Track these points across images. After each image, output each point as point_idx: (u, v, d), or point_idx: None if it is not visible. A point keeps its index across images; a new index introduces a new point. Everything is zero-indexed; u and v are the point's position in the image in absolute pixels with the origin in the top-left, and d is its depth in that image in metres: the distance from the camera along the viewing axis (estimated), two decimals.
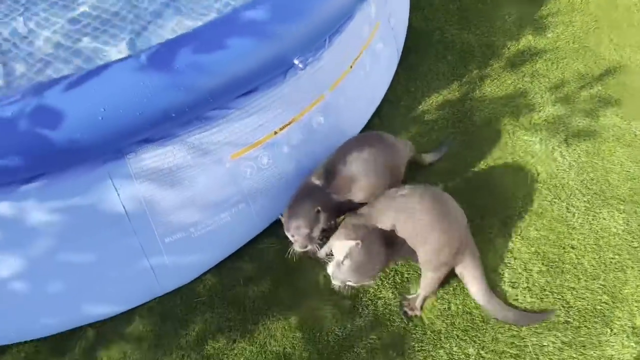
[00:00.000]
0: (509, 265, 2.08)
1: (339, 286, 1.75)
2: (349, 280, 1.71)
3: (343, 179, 1.95)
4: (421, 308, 1.96)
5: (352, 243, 1.69)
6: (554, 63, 2.83)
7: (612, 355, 1.87)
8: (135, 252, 1.83)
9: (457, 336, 1.91)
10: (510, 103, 2.63)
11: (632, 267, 2.08)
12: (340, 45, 2.09)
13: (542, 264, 2.09)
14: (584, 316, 1.96)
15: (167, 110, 1.63)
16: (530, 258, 2.10)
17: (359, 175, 1.96)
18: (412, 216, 1.82)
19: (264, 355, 1.87)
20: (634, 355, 1.87)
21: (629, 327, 1.94)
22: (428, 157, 2.35)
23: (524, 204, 2.26)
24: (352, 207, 1.95)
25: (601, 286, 2.03)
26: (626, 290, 2.02)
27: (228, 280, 2.04)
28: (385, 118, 2.59)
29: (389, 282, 2.03)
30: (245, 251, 2.11)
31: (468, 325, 1.94)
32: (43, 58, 2.11)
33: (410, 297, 1.98)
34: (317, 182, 1.97)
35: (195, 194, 1.86)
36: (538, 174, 2.36)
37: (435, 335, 1.92)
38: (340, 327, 1.93)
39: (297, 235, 1.85)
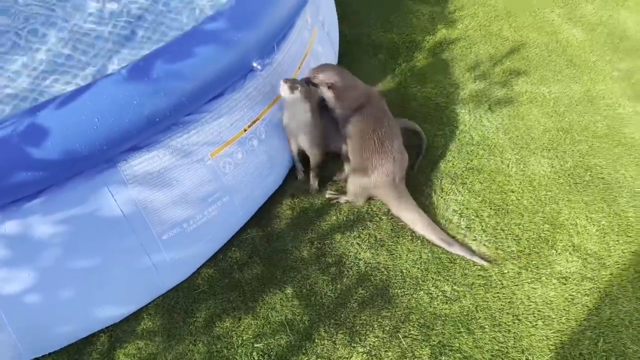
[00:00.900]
0: (463, 215, 2.40)
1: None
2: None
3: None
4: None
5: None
6: (467, 48, 3.27)
7: (561, 270, 2.21)
8: (136, 251, 1.97)
9: (432, 278, 2.19)
10: (438, 85, 3.01)
11: (562, 199, 2.46)
12: (288, 49, 2.38)
13: (490, 209, 2.42)
14: (532, 244, 2.30)
15: (151, 115, 1.83)
16: (480, 206, 2.43)
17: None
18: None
19: (269, 326, 2.04)
20: (578, 267, 2.22)
21: (569, 246, 2.29)
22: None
23: (466, 163, 2.61)
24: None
25: (541, 218, 2.39)
26: (562, 218, 2.39)
27: (224, 269, 2.20)
28: None
29: (366, 244, 2.29)
30: (232, 242, 2.27)
31: (439, 268, 2.22)
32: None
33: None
34: None
35: (183, 192, 2.05)
36: (472, 138, 2.72)
37: (413, 280, 2.18)
38: (331, 289, 2.15)
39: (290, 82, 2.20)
